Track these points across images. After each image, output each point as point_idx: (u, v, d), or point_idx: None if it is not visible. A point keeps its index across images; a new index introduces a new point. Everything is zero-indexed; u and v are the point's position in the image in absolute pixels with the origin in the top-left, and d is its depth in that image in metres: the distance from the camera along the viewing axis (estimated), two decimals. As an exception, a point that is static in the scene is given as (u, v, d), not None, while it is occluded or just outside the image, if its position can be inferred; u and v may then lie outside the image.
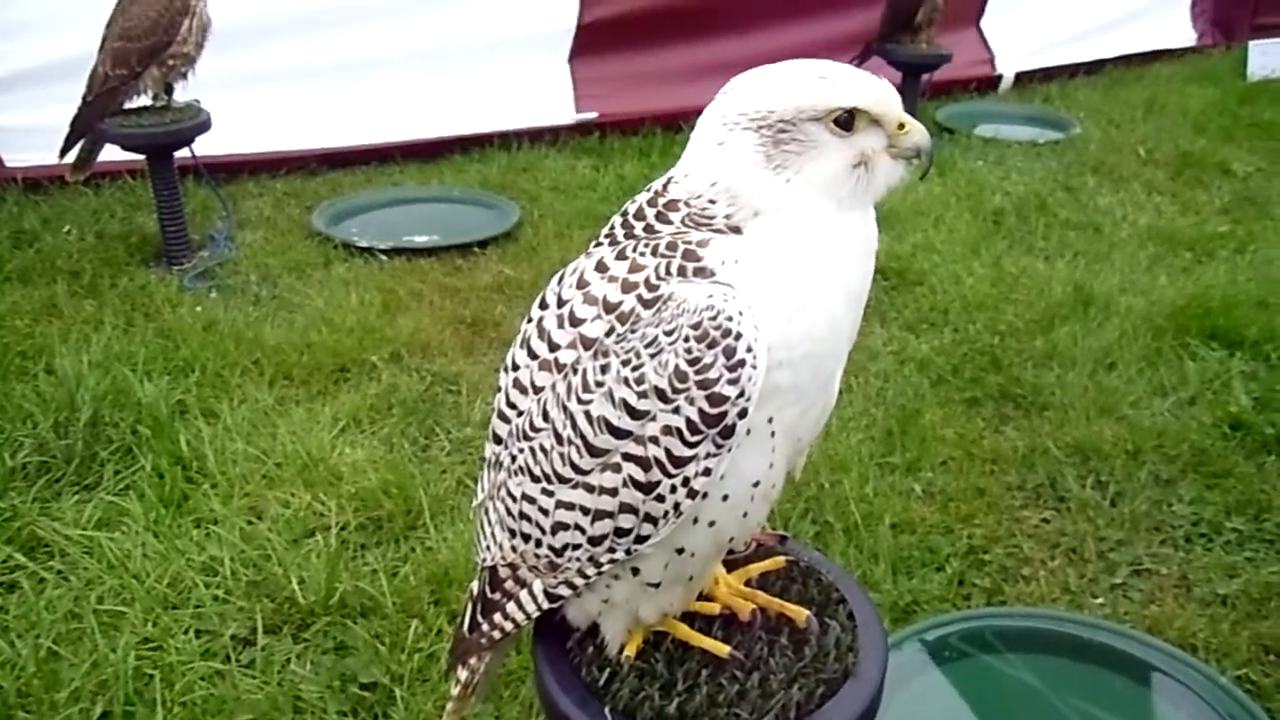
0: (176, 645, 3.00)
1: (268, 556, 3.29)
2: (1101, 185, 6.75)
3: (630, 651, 1.74)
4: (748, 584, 1.90)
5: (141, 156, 5.34)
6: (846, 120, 1.50)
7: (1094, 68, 9.44)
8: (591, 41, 7.30)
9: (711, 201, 1.51)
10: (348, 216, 5.94)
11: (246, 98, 6.06)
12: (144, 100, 5.17)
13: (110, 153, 5.38)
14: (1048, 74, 9.18)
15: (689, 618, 1.80)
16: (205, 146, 5.43)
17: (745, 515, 1.58)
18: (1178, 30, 10.11)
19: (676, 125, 6.99)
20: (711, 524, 1.56)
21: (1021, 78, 9.06)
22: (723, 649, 1.73)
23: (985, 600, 3.29)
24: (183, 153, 5.28)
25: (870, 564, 3.32)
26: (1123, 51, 9.59)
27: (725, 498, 1.53)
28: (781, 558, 1.96)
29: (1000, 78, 8.96)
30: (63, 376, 4.07)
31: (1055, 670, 2.97)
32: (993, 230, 5.97)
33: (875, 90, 1.52)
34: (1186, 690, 2.85)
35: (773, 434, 1.52)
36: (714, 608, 1.83)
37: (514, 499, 1.64)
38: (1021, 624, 3.06)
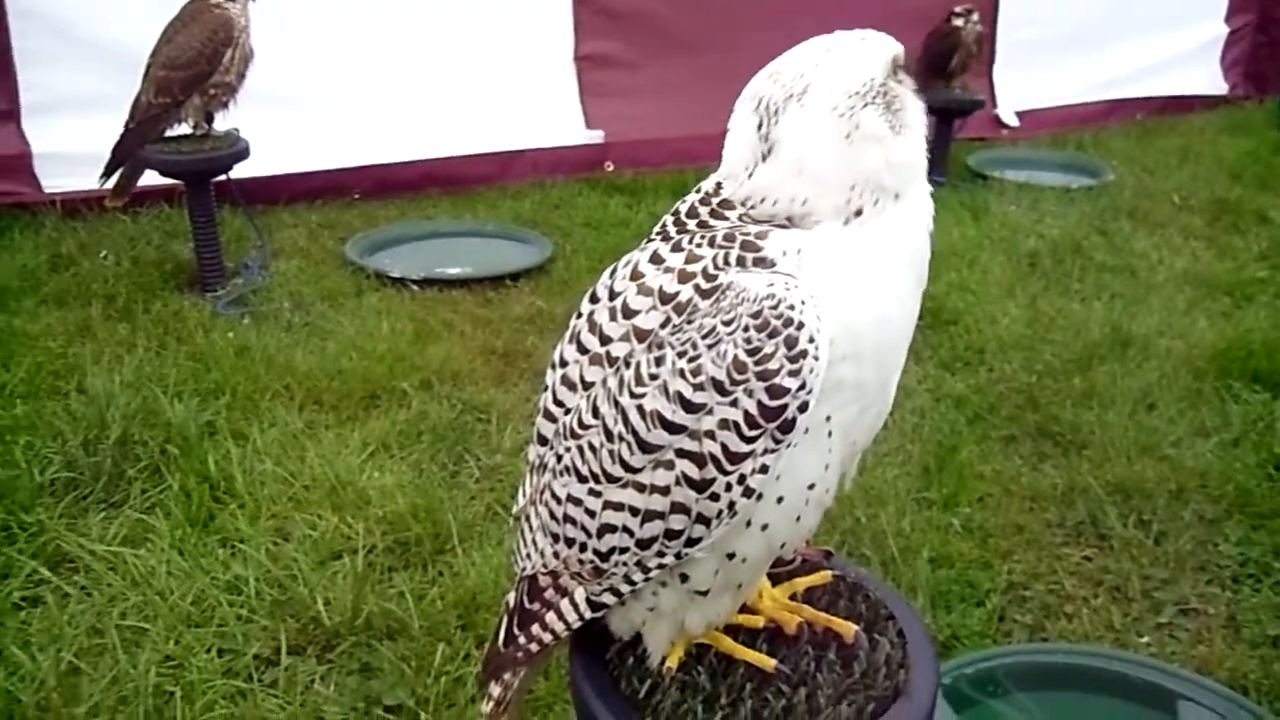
0: (198, 664, 2.95)
1: (293, 577, 3.24)
2: (1137, 230, 6.69)
3: (672, 663, 1.68)
4: (793, 598, 1.83)
5: (179, 183, 5.39)
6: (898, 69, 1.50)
7: (1126, 112, 9.45)
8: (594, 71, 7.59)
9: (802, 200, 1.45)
10: (381, 248, 5.95)
11: (285, 121, 6.12)
12: (185, 128, 5.21)
13: (149, 179, 5.41)
14: (1080, 118, 9.18)
15: (733, 630, 1.74)
16: (243, 171, 5.47)
17: (799, 519, 1.53)
18: (1209, 80, 10.12)
19: (705, 161, 6.99)
20: (764, 527, 1.50)
21: (1050, 123, 9.07)
22: (768, 663, 1.67)
23: (1027, 637, 3.20)
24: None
25: (909, 598, 3.24)
26: (1153, 94, 9.61)
27: (780, 500, 1.48)
28: (828, 572, 1.90)
29: (999, 118, 9.03)
30: (94, 395, 4.06)
31: (1102, 709, 2.88)
32: (1028, 272, 5.92)
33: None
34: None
35: (830, 434, 1.47)
36: (759, 621, 1.77)
37: (559, 501, 1.59)
38: (1066, 660, 2.97)
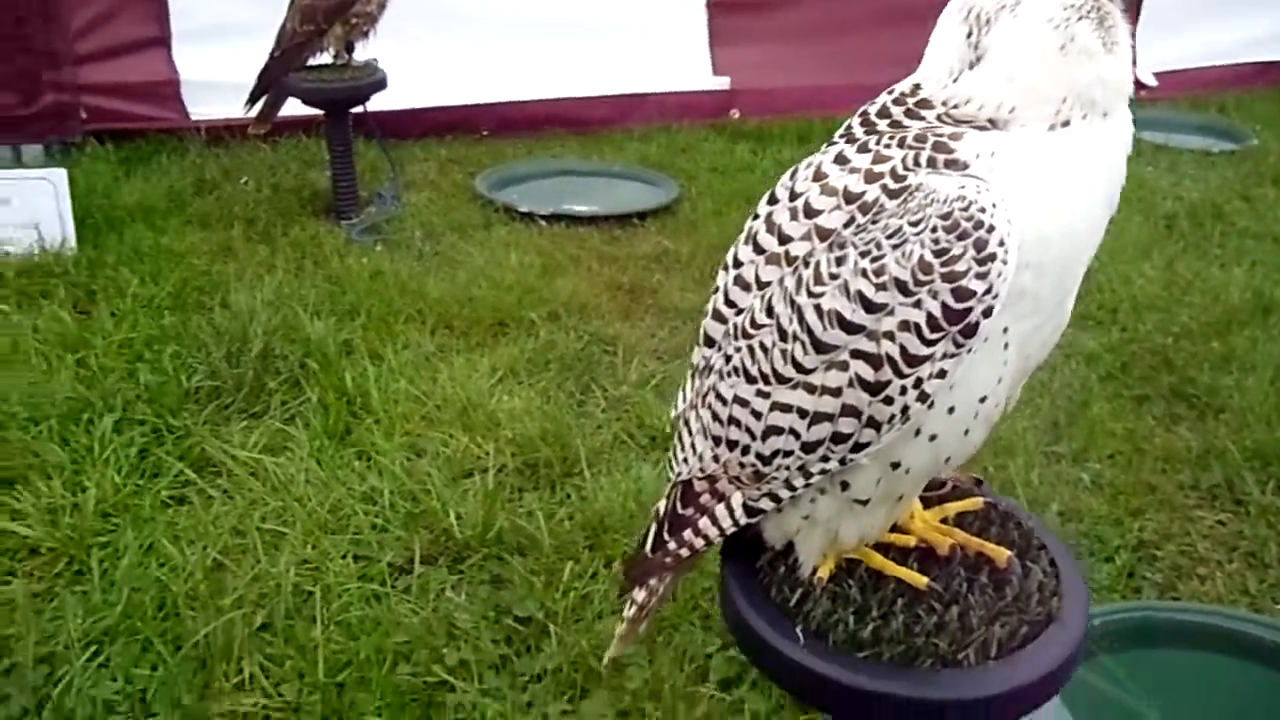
0: (334, 568, 3.06)
1: (427, 491, 3.33)
2: (1283, 197, 6.43)
3: (823, 574, 1.69)
4: (944, 522, 1.83)
5: (318, 113, 5.52)
6: None
7: (1272, 77, 9.03)
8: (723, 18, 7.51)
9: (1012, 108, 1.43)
10: (509, 184, 6.02)
11: (419, 56, 6.21)
12: (325, 58, 5.33)
13: (287, 110, 5.58)
14: (1222, 81, 8.82)
15: (883, 548, 1.74)
16: (377, 104, 5.57)
17: (966, 433, 1.52)
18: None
19: (831, 111, 6.96)
20: (932, 438, 1.50)
21: (1190, 84, 8.74)
22: (920, 580, 1.67)
23: (1157, 596, 3.14)
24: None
25: (1036, 548, 3.20)
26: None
27: (950, 410, 1.47)
28: (980, 499, 1.89)
29: (1137, 78, 8.71)
30: (237, 311, 4.21)
31: (1233, 670, 2.81)
32: (1164, 234, 5.73)
33: None
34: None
35: (1006, 346, 1.45)
36: (910, 540, 1.76)
37: (724, 402, 1.60)
38: (1198, 620, 2.90)
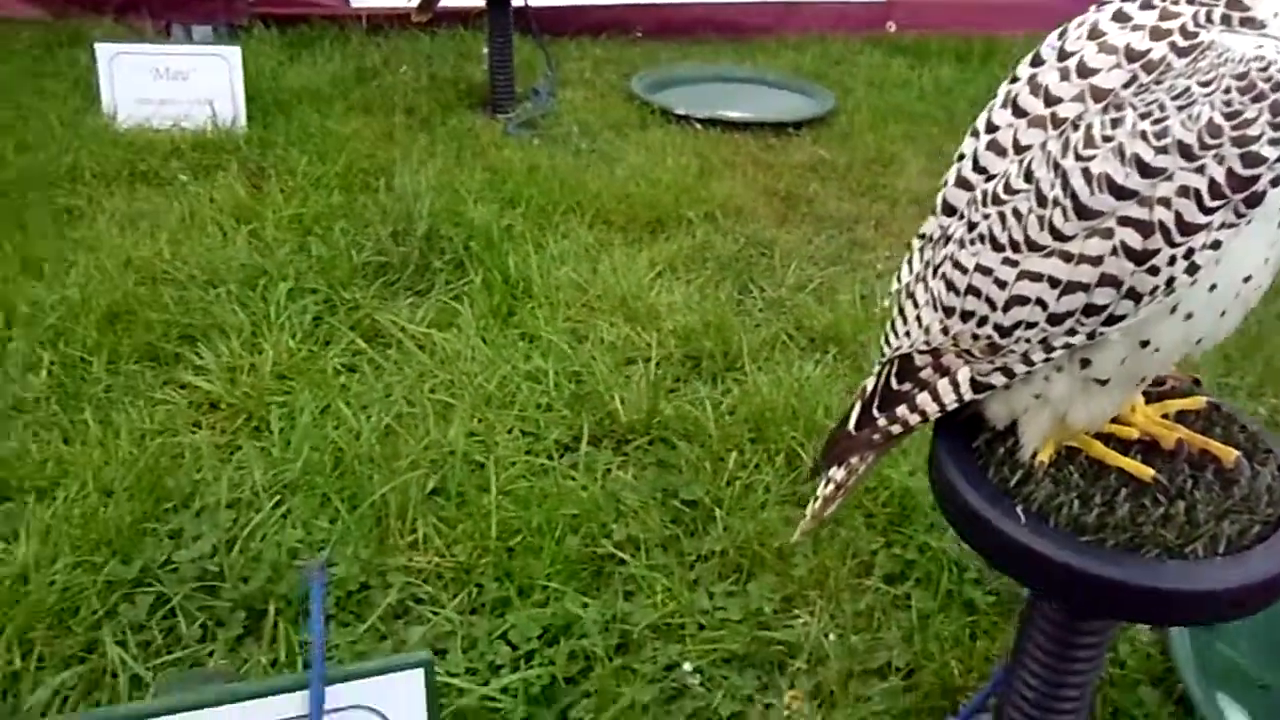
0: (501, 441, 3.11)
1: (591, 373, 3.37)
2: None
3: (1044, 458, 1.66)
4: (1165, 418, 1.78)
5: (475, 6, 5.56)
6: None
7: None
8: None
9: None
10: (665, 87, 6.00)
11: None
12: (489, -55, 5.32)
13: (445, 2, 5.61)
14: None
15: (1103, 440, 1.70)
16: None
17: (1223, 315, 1.46)
18: None
19: (990, 29, 6.74)
20: (1188, 316, 1.45)
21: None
22: (1146, 471, 1.62)
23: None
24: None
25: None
26: None
27: (1212, 288, 1.42)
28: (1202, 398, 1.83)
29: None
30: (401, 193, 4.27)
31: None
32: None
33: None
34: None
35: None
36: (1132, 432, 1.72)
37: (963, 271, 1.56)
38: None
